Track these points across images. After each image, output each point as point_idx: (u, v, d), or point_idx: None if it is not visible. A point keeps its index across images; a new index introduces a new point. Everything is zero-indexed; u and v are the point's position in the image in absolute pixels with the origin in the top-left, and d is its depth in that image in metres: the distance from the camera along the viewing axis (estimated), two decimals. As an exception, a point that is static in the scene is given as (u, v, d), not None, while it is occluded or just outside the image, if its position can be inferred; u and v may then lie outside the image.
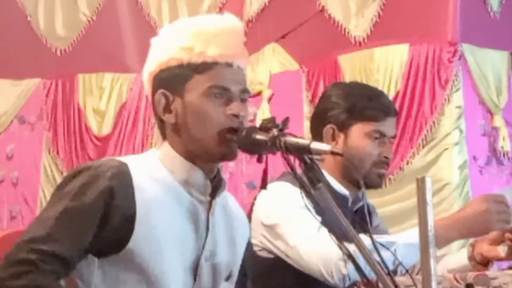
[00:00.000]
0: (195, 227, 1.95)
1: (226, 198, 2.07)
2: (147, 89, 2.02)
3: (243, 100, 1.96)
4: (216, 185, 1.99)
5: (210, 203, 1.98)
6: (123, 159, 1.93)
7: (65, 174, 6.40)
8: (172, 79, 1.95)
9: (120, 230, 1.86)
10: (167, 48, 1.97)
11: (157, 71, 1.97)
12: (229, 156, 1.94)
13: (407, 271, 2.08)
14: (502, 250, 2.52)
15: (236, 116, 1.91)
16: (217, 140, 1.92)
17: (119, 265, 1.87)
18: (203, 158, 1.95)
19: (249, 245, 2.32)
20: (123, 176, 1.87)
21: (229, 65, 1.95)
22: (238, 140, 1.90)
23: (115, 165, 1.89)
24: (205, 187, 1.96)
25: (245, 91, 1.97)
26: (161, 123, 1.99)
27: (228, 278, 2.03)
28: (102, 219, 1.84)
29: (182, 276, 1.93)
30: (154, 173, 1.93)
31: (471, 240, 2.72)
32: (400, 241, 2.32)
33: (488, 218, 2.38)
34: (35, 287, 1.77)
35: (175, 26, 2.01)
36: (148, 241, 1.87)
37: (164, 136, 2.00)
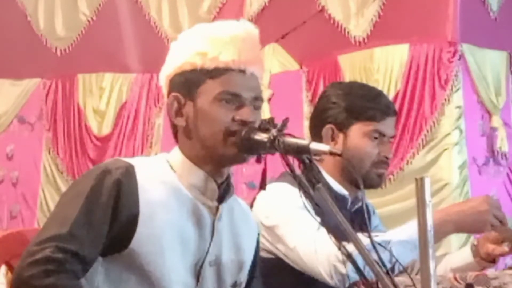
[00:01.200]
0: (199, 231, 1.95)
1: (235, 204, 2.07)
2: (164, 92, 2.04)
3: (257, 108, 1.96)
4: (224, 191, 1.99)
5: (217, 208, 1.98)
6: (131, 160, 1.94)
7: (65, 174, 6.42)
8: (185, 83, 1.96)
9: (124, 228, 1.86)
10: (182, 52, 1.98)
11: (172, 75, 1.99)
12: (236, 160, 1.94)
13: (405, 270, 2.08)
14: (506, 245, 2.55)
15: (243, 122, 1.91)
16: (224, 145, 1.92)
17: (121, 264, 1.88)
18: (211, 162, 1.95)
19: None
20: (129, 176, 1.89)
21: (241, 71, 1.95)
22: (237, 141, 1.90)
23: (122, 165, 1.91)
24: (212, 192, 1.96)
25: (257, 98, 1.97)
26: (174, 127, 2.00)
27: (234, 286, 2.03)
28: (112, 215, 1.85)
29: (184, 279, 1.93)
30: (161, 175, 1.94)
31: (472, 239, 2.73)
32: (395, 239, 2.32)
33: (486, 219, 2.38)
34: (62, 286, 1.76)
35: (192, 31, 2.02)
36: (150, 242, 1.87)
37: (177, 140, 2.02)
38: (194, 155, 1.96)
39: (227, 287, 2.01)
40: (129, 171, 1.89)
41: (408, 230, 2.31)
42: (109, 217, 1.85)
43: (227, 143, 1.92)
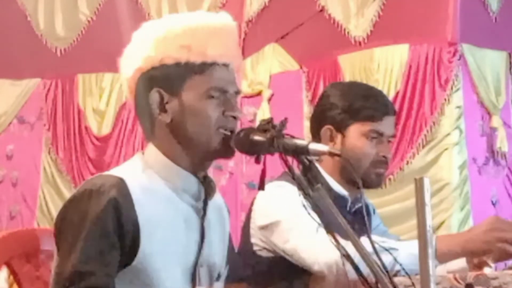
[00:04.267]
0: (193, 235, 1.94)
1: (215, 197, 2.05)
2: (129, 86, 1.97)
3: (237, 101, 1.96)
4: (206, 188, 1.97)
5: (203, 208, 1.97)
6: (118, 173, 1.88)
7: (64, 174, 6.41)
8: (167, 78, 1.90)
9: (128, 247, 1.84)
10: (159, 44, 1.91)
11: (147, 68, 1.92)
12: (227, 153, 1.93)
13: (408, 275, 2.08)
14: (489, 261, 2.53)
15: (234, 117, 1.91)
16: (215, 140, 1.90)
17: (124, 280, 1.86)
18: (199, 158, 1.93)
19: (247, 244, 2.30)
20: (123, 192, 1.84)
21: (226, 65, 1.93)
22: (236, 140, 1.90)
23: (114, 182, 1.84)
24: (199, 193, 1.95)
25: (238, 92, 1.97)
26: (150, 123, 1.94)
27: (218, 277, 2.03)
28: (119, 236, 1.82)
29: (185, 284, 1.92)
30: (149, 184, 1.89)
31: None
32: (403, 250, 2.30)
33: (492, 247, 2.39)
34: None
35: (166, 22, 1.95)
36: (152, 258, 1.85)
37: (149, 137, 1.96)
38: (175, 152, 1.91)
39: (214, 280, 2.00)
40: (122, 187, 1.84)
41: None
42: (116, 241, 1.82)
43: (218, 138, 1.90)
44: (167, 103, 1.92)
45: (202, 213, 1.96)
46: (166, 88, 1.91)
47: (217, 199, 2.06)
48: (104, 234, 1.81)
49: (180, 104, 1.91)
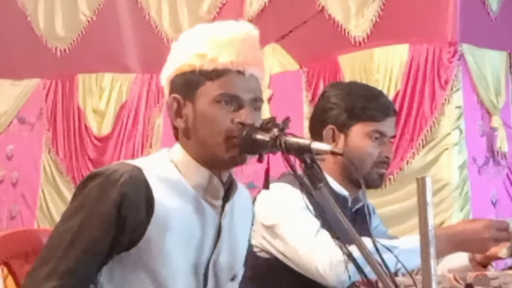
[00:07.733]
0: (206, 231, 1.95)
1: (236, 196, 2.05)
2: (165, 93, 2.04)
3: (256, 109, 1.95)
4: (228, 189, 1.99)
5: (223, 207, 1.98)
6: (137, 162, 1.93)
7: (64, 174, 6.41)
8: (184, 85, 1.96)
9: (134, 231, 1.86)
10: (182, 53, 1.98)
11: (172, 76, 1.99)
12: (237, 161, 1.93)
13: (409, 273, 2.08)
14: (502, 253, 2.54)
15: (242, 123, 1.91)
16: (224, 147, 1.91)
17: (127, 264, 1.87)
18: (212, 164, 1.95)
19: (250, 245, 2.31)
20: (137, 182, 1.87)
21: (240, 72, 1.94)
22: (237, 142, 1.90)
23: (128, 169, 1.89)
24: (218, 191, 1.96)
25: (257, 99, 1.96)
26: (175, 127, 2.00)
27: (233, 278, 2.03)
28: (118, 226, 1.85)
29: (191, 279, 1.93)
30: (168, 176, 1.93)
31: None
32: (402, 246, 2.31)
33: (487, 245, 2.42)
34: None
35: (192, 32, 2.02)
36: (159, 242, 1.87)
37: (177, 138, 2.01)
38: (196, 155, 1.95)
39: (225, 282, 2.01)
40: (137, 175, 1.88)
41: (417, 238, 2.32)
42: (112, 228, 1.84)
43: (227, 145, 1.91)
44: (183, 108, 1.96)
45: (221, 211, 1.97)
46: (183, 94, 1.97)
47: (239, 201, 2.06)
48: (101, 225, 1.85)
49: (193, 110, 1.95)
